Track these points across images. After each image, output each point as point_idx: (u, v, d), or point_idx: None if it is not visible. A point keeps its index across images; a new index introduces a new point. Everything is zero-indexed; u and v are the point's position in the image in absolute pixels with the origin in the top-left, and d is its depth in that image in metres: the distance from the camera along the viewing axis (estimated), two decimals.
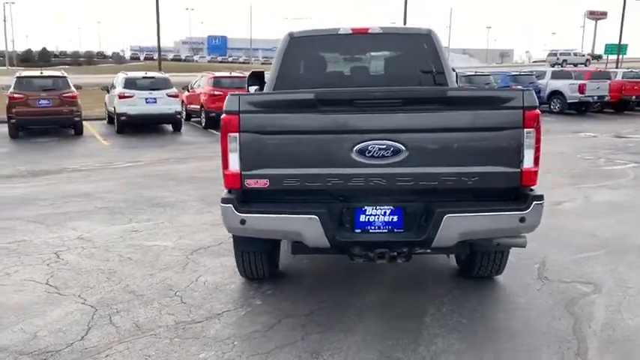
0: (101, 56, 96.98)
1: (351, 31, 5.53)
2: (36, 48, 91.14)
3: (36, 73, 15.62)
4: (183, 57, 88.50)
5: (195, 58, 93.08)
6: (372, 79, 5.69)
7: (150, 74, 16.20)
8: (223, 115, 3.46)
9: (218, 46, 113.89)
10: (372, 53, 5.81)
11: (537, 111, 3.46)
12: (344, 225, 3.56)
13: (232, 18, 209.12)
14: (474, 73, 22.40)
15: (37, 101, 14.05)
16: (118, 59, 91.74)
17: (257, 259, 4.32)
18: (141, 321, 3.92)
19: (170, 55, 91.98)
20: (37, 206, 7.48)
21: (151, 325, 3.85)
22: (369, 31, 5.52)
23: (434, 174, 3.44)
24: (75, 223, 6.58)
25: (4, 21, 68.39)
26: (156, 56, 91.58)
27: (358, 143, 3.40)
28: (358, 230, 3.56)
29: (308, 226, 3.40)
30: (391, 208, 3.55)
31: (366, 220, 3.55)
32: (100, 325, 3.87)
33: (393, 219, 3.55)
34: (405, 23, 28.45)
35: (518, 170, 3.45)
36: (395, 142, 3.40)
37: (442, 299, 4.24)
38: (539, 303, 4.18)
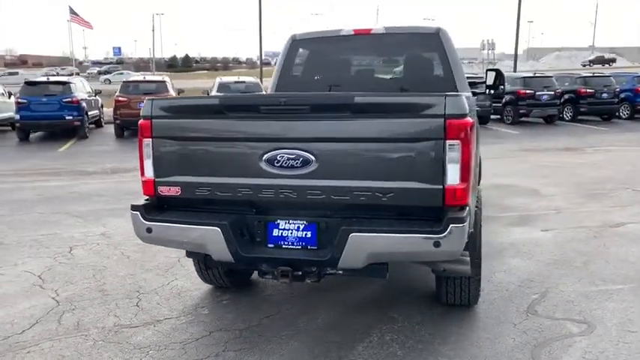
0: (236, 62, 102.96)
1: (353, 32, 5.26)
2: (181, 55, 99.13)
3: (139, 77, 16.95)
4: None
5: None
6: (376, 82, 5.37)
7: (242, 79, 16.82)
8: (140, 120, 3.43)
9: None
10: (376, 55, 5.46)
11: (465, 120, 2.97)
12: (256, 239, 3.34)
13: (361, 21, 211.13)
14: (591, 75, 20.31)
15: (137, 104, 15.16)
16: (250, 64, 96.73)
17: (213, 268, 4.23)
18: (85, 320, 4.02)
19: None
20: (92, 202, 8.05)
21: (89, 326, 3.92)
22: (372, 32, 5.22)
23: (346, 188, 3.10)
24: (110, 219, 6.96)
25: (153, 31, 75.15)
26: None
27: (267, 152, 3.17)
28: (271, 245, 3.32)
29: (210, 239, 3.24)
30: (304, 223, 3.26)
31: (279, 234, 3.30)
32: (47, 321, 4.02)
33: (306, 235, 3.26)
34: (518, 23, 26.45)
35: (440, 187, 2.99)
36: (304, 151, 3.12)
37: (394, 325, 3.83)
38: (504, 342, 3.61)
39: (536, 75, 19.97)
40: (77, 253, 5.65)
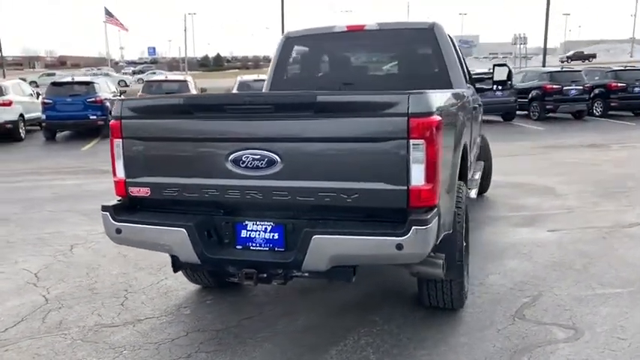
0: (267, 60, 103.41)
1: (346, 29, 5.18)
2: (213, 54, 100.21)
3: (161, 77, 17.16)
4: None
5: None
6: (369, 79, 5.28)
7: (262, 77, 16.81)
8: (110, 121, 3.43)
9: None
10: (370, 51, 5.37)
11: (431, 118, 2.86)
12: (224, 240, 3.30)
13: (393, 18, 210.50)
14: (622, 68, 19.63)
15: None
16: None
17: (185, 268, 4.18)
18: (68, 319, 4.06)
19: None
20: (103, 200, 8.09)
21: (70, 325, 3.96)
22: (365, 28, 5.13)
23: (310, 189, 3.03)
24: None
25: (185, 31, 76.40)
26: None
27: (232, 152, 3.13)
28: (239, 246, 3.28)
29: (176, 240, 3.22)
30: (272, 224, 3.21)
31: (248, 235, 3.26)
32: (32, 319, 4.08)
33: (274, 236, 3.21)
34: (547, 15, 25.79)
35: (404, 188, 2.90)
36: (269, 152, 3.07)
37: (373, 329, 3.75)
38: (484, 348, 3.48)
39: (564, 69, 19.42)
40: (77, 251, 5.73)
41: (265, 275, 3.21)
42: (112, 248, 5.76)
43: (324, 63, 5.45)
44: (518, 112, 18.63)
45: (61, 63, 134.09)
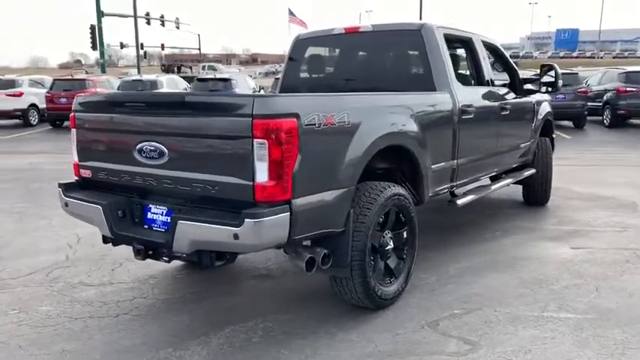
0: None
1: (344, 31, 5.38)
2: None
3: None
4: (520, 53, 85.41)
5: (535, 54, 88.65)
6: (364, 79, 5.40)
7: None
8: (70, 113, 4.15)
9: (567, 40, 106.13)
10: (365, 52, 5.45)
11: (279, 120, 3.05)
12: (135, 219, 3.81)
13: (584, 9, 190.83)
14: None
15: None
16: None
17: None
18: (64, 276, 4.91)
19: (509, 52, 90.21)
20: None
21: (61, 280, 4.79)
22: (360, 30, 5.28)
23: (186, 179, 3.40)
24: None
25: None
26: None
27: (138, 143, 3.62)
28: (146, 226, 3.75)
29: (95, 216, 3.80)
30: (166, 209, 3.64)
31: (152, 217, 3.72)
32: (41, 272, 5.00)
33: (167, 220, 3.63)
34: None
35: (251, 184, 3.12)
36: (159, 144, 3.50)
37: (282, 315, 3.96)
38: (361, 347, 3.50)
39: None
40: None
41: (151, 252, 3.66)
42: None
43: (325, 63, 5.66)
44: None
45: (253, 60, 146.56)
